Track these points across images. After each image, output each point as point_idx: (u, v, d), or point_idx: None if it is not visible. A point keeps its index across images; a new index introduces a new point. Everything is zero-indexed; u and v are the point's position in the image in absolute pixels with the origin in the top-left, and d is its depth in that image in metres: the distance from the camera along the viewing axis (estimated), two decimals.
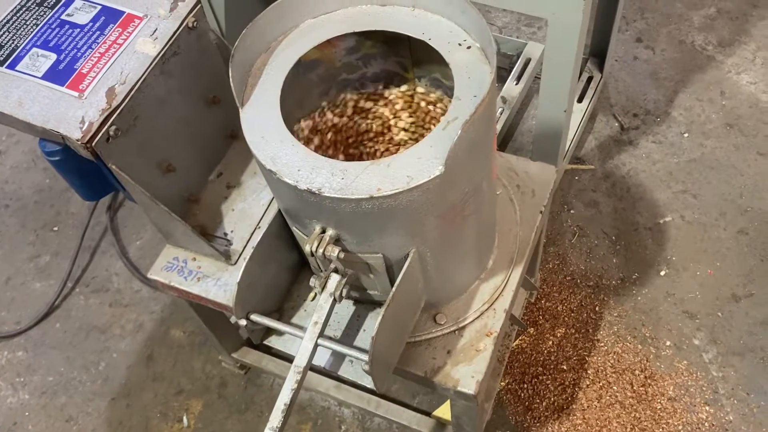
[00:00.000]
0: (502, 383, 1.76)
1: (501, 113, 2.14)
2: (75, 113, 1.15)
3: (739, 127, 2.16)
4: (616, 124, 2.22)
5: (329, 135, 1.26)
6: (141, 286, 2.04)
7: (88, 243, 2.15)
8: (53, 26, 1.24)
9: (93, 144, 1.13)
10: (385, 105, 1.28)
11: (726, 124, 2.17)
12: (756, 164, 2.08)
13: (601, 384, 1.73)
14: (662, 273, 1.90)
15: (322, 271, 1.09)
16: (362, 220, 0.96)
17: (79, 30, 1.24)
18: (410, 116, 1.29)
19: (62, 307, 2.04)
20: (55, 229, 2.21)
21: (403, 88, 1.26)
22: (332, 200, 0.92)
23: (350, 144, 1.31)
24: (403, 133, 1.28)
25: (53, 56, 1.21)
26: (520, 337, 1.82)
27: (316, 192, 0.91)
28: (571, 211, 2.06)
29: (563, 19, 1.40)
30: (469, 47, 1.03)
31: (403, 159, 0.93)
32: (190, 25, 1.27)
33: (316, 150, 1.21)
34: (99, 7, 1.29)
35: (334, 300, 1.07)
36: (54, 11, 1.26)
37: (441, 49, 1.04)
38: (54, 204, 2.27)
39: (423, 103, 1.26)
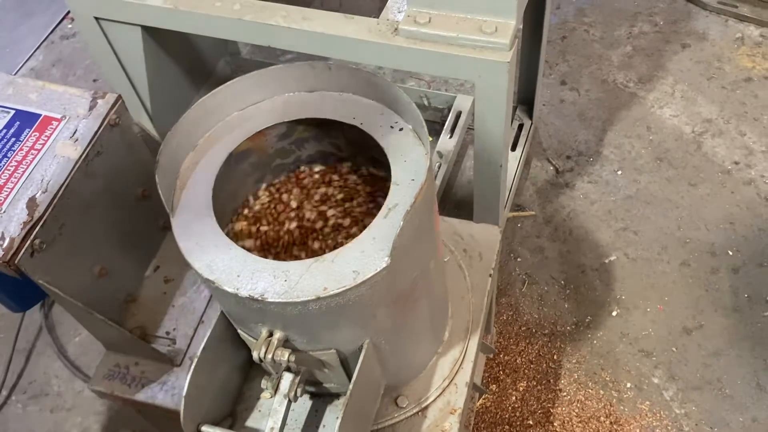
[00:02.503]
0: None
1: (439, 168, 2.14)
2: None
3: (669, 160, 2.22)
4: (551, 168, 2.25)
5: (267, 220, 1.21)
6: (83, 387, 1.93)
7: (22, 345, 2.03)
8: None
9: (16, 261, 1.06)
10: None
11: (656, 158, 2.23)
12: (689, 195, 2.13)
13: None
14: (614, 313, 1.91)
15: (273, 371, 1.04)
16: (311, 320, 0.92)
17: None
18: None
19: None
20: None
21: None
22: (277, 305, 0.88)
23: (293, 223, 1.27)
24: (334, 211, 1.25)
25: None
26: (483, 396, 1.79)
27: (259, 298, 0.87)
28: (518, 259, 2.06)
29: (490, 81, 1.41)
30: (401, 129, 1.02)
31: (346, 253, 0.90)
32: (112, 122, 1.22)
33: (262, 237, 1.17)
34: (12, 111, 1.23)
35: (289, 401, 1.02)
36: None
37: (374, 133, 1.02)
38: None
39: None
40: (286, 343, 0.96)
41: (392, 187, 0.96)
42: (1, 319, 2.10)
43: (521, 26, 1.99)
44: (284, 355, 0.94)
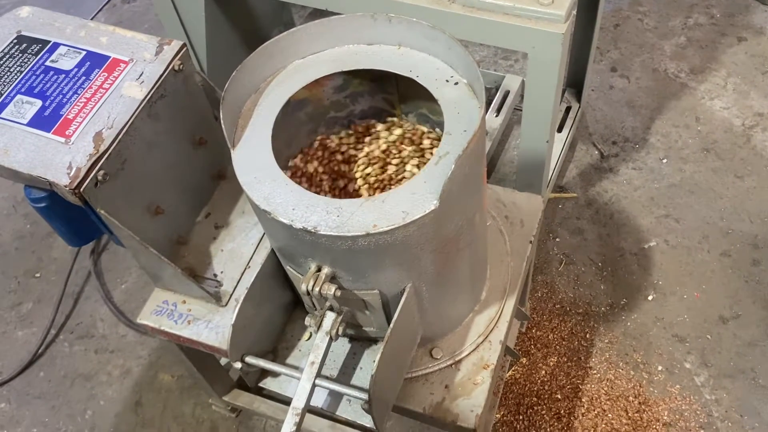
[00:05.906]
0: (498, 415, 1.75)
1: None
2: (62, 159, 1.14)
3: (716, 151, 2.20)
4: (596, 152, 2.26)
5: (319, 171, 1.26)
6: (127, 331, 2.01)
7: (71, 289, 2.12)
8: (38, 73, 1.24)
9: (81, 189, 1.12)
10: (373, 139, 1.29)
11: (702, 148, 2.22)
12: (734, 187, 2.12)
13: (596, 412, 1.73)
14: (650, 298, 1.92)
15: (317, 309, 1.08)
16: (358, 257, 0.96)
17: (64, 76, 1.24)
18: (405, 148, 1.29)
19: (46, 356, 2.00)
20: (37, 275, 2.17)
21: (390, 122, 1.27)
22: (328, 238, 0.91)
23: (341, 176, 1.31)
24: (393, 166, 1.29)
25: (38, 102, 1.20)
26: (513, 368, 1.81)
27: (312, 230, 0.91)
28: (557, 239, 2.07)
29: (543, 52, 1.43)
30: (456, 83, 1.05)
31: (397, 195, 0.94)
32: (176, 68, 1.27)
33: (309, 187, 1.21)
34: (84, 52, 1.29)
35: (331, 338, 1.06)
36: (38, 58, 1.26)
37: (429, 85, 1.05)
38: (35, 250, 2.23)
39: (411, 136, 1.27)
40: (332, 280, 1.00)
41: (444, 137, 0.99)
42: (53, 263, 2.19)
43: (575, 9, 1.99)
44: (330, 290, 0.98)
